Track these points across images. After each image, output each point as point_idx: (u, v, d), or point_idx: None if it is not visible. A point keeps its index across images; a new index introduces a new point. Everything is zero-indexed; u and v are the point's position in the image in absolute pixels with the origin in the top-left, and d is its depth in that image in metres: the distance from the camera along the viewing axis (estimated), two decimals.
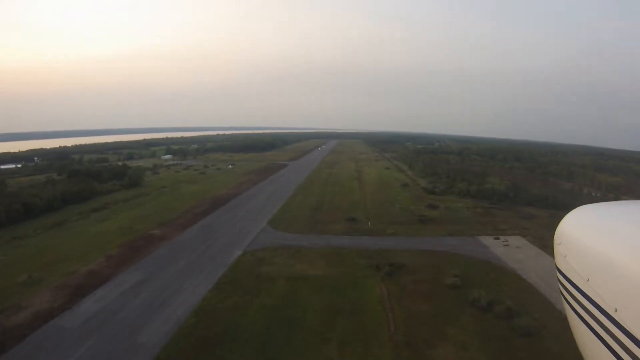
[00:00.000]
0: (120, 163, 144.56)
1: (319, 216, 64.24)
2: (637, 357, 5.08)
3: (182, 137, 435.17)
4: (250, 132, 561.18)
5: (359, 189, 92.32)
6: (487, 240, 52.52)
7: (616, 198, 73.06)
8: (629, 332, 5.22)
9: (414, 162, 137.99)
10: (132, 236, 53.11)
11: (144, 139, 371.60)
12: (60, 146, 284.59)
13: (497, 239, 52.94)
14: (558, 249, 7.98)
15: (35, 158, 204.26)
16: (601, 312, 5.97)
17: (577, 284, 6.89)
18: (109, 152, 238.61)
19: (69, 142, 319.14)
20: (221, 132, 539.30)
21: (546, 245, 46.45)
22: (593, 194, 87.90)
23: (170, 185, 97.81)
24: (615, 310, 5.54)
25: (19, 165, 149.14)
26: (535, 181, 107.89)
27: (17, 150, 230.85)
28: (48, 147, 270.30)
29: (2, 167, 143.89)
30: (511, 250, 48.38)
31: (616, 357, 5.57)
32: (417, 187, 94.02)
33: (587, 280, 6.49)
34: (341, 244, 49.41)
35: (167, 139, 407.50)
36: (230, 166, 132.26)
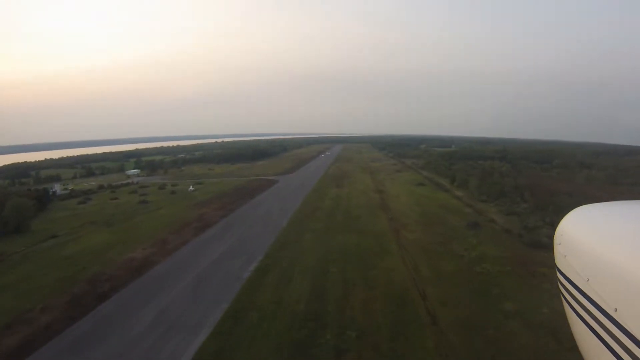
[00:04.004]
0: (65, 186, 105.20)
1: None
2: (637, 358, 4.90)
3: (176, 146, 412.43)
4: (252, 139, 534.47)
5: (394, 235, 48.74)
6: None
7: None
8: (629, 332, 5.03)
9: (457, 174, 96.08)
10: None
11: (136, 149, 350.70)
12: (46, 158, 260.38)
13: None
14: (558, 249, 7.76)
15: None
16: (601, 312, 5.77)
17: (577, 284, 6.68)
18: (78, 167, 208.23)
19: (64, 153, 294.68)
20: (220, 140, 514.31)
21: None
22: None
23: (68, 231, 57.54)
24: (615, 310, 5.35)
25: None
26: None
27: None
28: (33, 159, 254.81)
29: None
30: None
31: (616, 357, 5.36)
32: (497, 229, 51.49)
33: (587, 280, 6.27)
34: None
35: (161, 148, 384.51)
36: (191, 188, 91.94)
